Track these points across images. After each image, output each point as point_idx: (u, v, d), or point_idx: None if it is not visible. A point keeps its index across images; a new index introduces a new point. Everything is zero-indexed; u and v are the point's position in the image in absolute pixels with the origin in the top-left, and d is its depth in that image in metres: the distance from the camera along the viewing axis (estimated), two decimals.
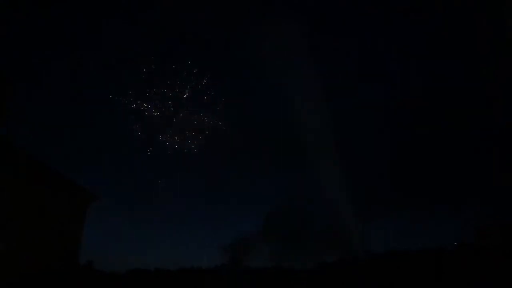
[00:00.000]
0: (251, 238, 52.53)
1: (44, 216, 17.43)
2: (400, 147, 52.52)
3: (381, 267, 44.27)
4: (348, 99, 62.10)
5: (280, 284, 46.23)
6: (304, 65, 52.64)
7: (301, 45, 52.15)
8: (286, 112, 59.32)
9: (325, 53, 60.77)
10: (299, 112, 54.53)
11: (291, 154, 60.74)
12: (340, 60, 62.35)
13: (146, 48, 55.12)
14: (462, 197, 57.02)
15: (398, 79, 64.78)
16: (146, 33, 53.44)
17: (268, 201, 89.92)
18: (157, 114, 43.58)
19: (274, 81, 54.01)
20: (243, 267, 48.26)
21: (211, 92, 44.01)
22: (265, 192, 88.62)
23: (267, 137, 58.60)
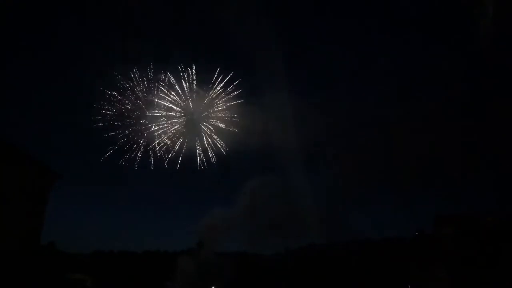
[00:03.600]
0: (221, 221, 52.18)
1: (1, 194, 16.52)
2: (366, 139, 53.20)
3: (344, 254, 45.72)
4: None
5: (246, 268, 46.88)
6: None
7: None
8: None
9: None
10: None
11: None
12: None
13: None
14: (422, 188, 59.21)
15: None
16: None
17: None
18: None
19: None
20: (210, 251, 48.36)
21: None
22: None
23: None
